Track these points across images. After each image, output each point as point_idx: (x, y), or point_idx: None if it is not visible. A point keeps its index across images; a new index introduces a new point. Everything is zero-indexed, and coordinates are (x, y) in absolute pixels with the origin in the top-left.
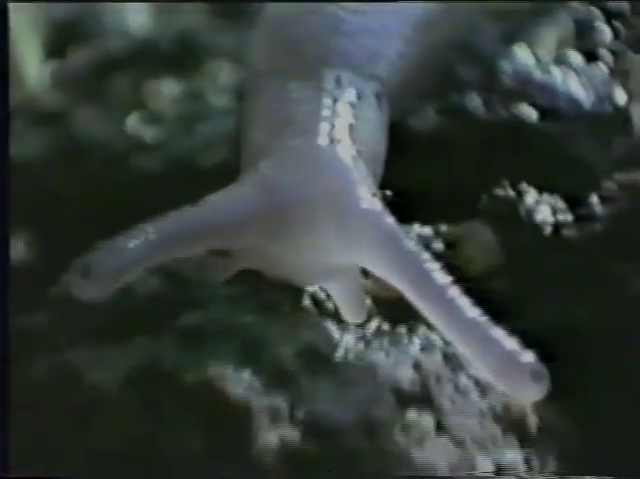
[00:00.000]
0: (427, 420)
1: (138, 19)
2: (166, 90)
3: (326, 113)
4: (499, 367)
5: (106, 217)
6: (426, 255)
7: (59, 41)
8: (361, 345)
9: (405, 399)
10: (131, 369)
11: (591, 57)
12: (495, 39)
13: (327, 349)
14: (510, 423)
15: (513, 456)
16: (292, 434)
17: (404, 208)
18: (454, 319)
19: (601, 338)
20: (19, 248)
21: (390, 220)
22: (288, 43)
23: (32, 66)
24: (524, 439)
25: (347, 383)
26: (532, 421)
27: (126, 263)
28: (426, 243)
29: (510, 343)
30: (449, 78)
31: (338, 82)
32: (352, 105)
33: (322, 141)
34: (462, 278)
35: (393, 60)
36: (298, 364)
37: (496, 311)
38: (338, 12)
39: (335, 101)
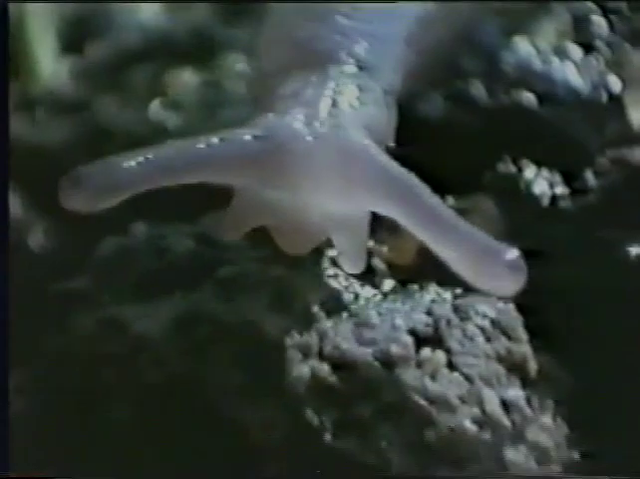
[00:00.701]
0: (439, 357)
1: (149, 15)
2: (186, 79)
3: (329, 92)
4: (477, 261)
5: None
6: (416, 180)
7: (74, 37)
8: (378, 297)
9: (419, 339)
10: (173, 318)
11: (588, 48)
12: (497, 32)
13: (348, 297)
14: (513, 365)
15: (516, 393)
16: (321, 367)
17: (421, 181)
18: (438, 226)
19: (594, 296)
20: (48, 233)
21: (383, 155)
22: (294, 45)
23: (47, 60)
24: (525, 381)
25: (367, 325)
26: (532, 366)
27: (116, 180)
28: None
29: (489, 240)
30: (454, 68)
31: (342, 72)
32: (358, 88)
33: (324, 108)
34: None
35: (396, 59)
36: (324, 309)
37: None
38: (340, 16)
39: (338, 84)
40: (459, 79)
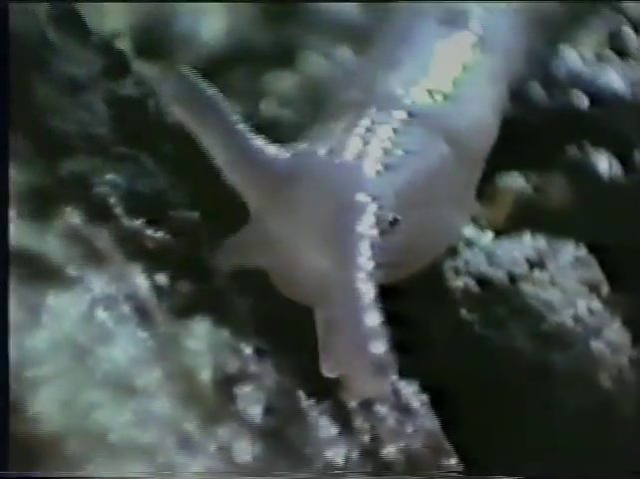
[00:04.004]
0: (544, 276)
1: (211, 25)
2: (281, 80)
3: (360, 130)
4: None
5: None
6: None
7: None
8: (493, 240)
9: (531, 264)
10: None
11: (624, 56)
12: (545, 42)
13: (477, 239)
14: (591, 286)
15: (596, 304)
16: (469, 281)
17: (509, 162)
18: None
19: None
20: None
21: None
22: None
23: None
24: (601, 297)
25: (494, 255)
26: (605, 288)
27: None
28: (522, 190)
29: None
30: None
31: (386, 114)
32: (395, 131)
33: (349, 155)
34: (546, 212)
35: (477, 122)
36: (465, 244)
37: (570, 229)
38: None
39: (374, 123)
40: (521, 83)
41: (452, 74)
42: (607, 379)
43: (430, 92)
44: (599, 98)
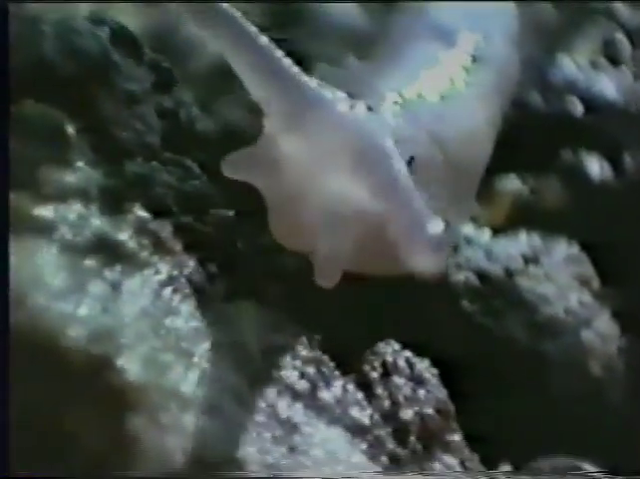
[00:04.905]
0: (538, 271)
1: None
2: None
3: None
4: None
5: None
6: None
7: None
8: (491, 238)
9: (526, 260)
10: None
11: (617, 63)
12: (542, 50)
13: (477, 237)
14: (582, 281)
15: (586, 297)
16: (469, 275)
17: (507, 165)
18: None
19: (634, 239)
20: None
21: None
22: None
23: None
24: (592, 291)
25: (492, 253)
26: (595, 283)
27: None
28: (519, 192)
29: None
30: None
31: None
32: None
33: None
34: (541, 212)
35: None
36: (465, 242)
37: (564, 227)
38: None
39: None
40: (520, 90)
41: (441, 89)
42: (597, 367)
43: (418, 100)
44: (593, 105)
